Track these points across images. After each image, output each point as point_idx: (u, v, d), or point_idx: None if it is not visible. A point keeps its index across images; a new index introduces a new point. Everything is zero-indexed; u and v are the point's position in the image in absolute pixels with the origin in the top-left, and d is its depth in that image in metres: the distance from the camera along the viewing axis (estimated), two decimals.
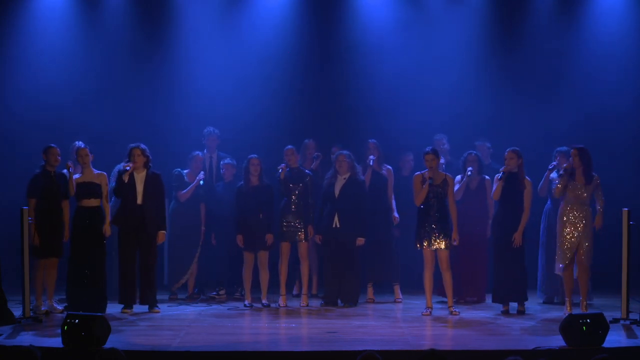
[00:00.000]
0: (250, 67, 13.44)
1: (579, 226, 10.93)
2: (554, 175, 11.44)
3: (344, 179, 11.56)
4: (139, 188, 11.11)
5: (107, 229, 11.07)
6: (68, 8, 13.43)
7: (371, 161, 11.91)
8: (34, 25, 13.33)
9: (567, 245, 10.91)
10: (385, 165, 12.18)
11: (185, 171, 12.19)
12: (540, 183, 11.56)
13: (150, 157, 11.23)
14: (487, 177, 11.81)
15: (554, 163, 11.54)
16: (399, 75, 13.50)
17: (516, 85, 13.50)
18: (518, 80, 13.51)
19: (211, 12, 13.57)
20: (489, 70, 13.53)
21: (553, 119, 13.34)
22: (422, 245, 11.04)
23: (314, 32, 13.63)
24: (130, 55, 13.44)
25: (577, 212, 10.95)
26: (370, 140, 12.12)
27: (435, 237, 10.99)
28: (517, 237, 10.95)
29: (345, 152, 11.66)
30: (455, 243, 11.04)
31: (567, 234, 10.94)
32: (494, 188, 11.13)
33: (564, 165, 11.04)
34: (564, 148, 11.67)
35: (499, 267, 11.09)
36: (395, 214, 12.13)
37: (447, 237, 11.00)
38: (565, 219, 10.98)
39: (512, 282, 11.00)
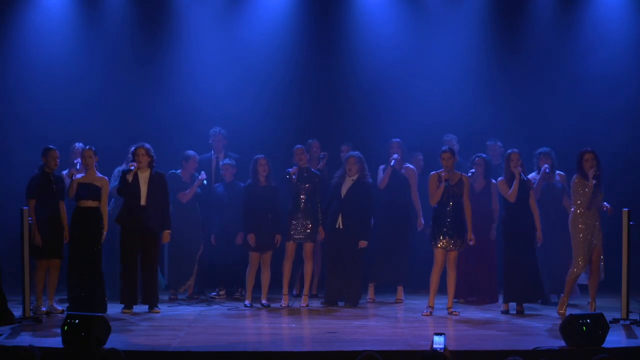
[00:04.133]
0: (251, 66, 13.46)
1: (594, 230, 10.81)
2: (533, 175, 11.50)
3: (352, 180, 11.57)
4: (143, 189, 11.08)
5: (104, 235, 11.06)
6: (68, 8, 13.43)
7: (393, 161, 11.89)
8: (34, 26, 13.33)
9: (584, 252, 10.79)
10: (407, 164, 12.17)
11: (178, 171, 12.16)
12: (534, 186, 11.53)
13: (155, 157, 11.21)
14: (493, 180, 11.75)
15: (546, 166, 11.53)
16: (403, 75, 13.50)
17: (517, 85, 13.50)
18: (519, 81, 13.52)
19: (212, 12, 13.58)
20: (491, 70, 13.52)
21: (552, 119, 13.35)
22: (436, 244, 11.04)
23: (316, 32, 13.64)
24: (131, 55, 13.44)
25: (590, 217, 10.82)
26: (393, 140, 12.12)
27: (449, 236, 10.99)
28: (540, 235, 11.08)
29: (356, 153, 11.65)
30: (471, 243, 11.07)
31: (582, 240, 10.81)
32: (510, 190, 11.07)
33: (591, 171, 10.71)
34: (546, 149, 11.67)
35: (513, 267, 11.04)
36: (422, 220, 12.11)
37: (460, 237, 11.00)
38: (580, 225, 10.84)
39: (529, 282, 11.02)
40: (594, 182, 10.74)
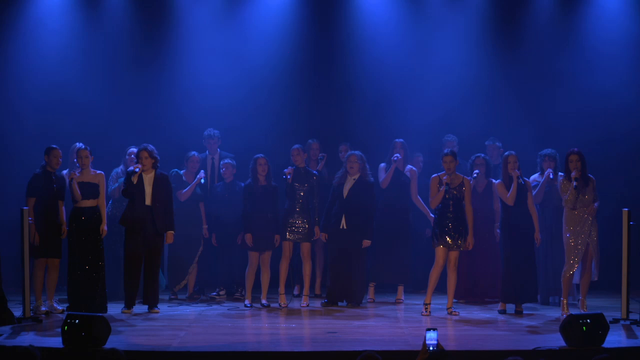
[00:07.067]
0: (252, 66, 13.46)
1: (584, 230, 10.90)
2: (535, 176, 11.49)
3: (354, 179, 11.56)
4: (148, 189, 11.11)
5: (104, 230, 11.07)
6: (69, 8, 13.43)
7: (396, 157, 11.91)
8: (34, 26, 13.32)
9: (575, 250, 10.90)
10: (409, 165, 12.17)
11: (182, 171, 12.19)
12: (536, 190, 11.52)
13: (159, 158, 11.23)
14: (493, 180, 11.73)
15: (550, 171, 11.51)
16: (403, 75, 13.51)
17: (517, 85, 13.50)
18: (518, 81, 13.52)
19: (212, 12, 13.57)
20: (491, 70, 13.52)
21: (552, 119, 13.35)
22: (437, 244, 11.03)
23: (317, 31, 13.64)
24: (131, 55, 13.44)
25: (581, 216, 10.91)
26: (397, 140, 12.09)
27: (450, 237, 10.98)
28: (538, 236, 11.10)
29: (357, 152, 11.63)
30: (469, 247, 11.05)
31: (572, 240, 10.92)
32: (509, 193, 11.04)
33: (572, 174, 10.83)
34: (550, 151, 11.65)
35: (513, 268, 11.06)
36: (431, 214, 12.09)
37: (461, 238, 10.99)
38: (569, 225, 10.94)
39: (525, 282, 11.05)
40: (574, 183, 10.79)
